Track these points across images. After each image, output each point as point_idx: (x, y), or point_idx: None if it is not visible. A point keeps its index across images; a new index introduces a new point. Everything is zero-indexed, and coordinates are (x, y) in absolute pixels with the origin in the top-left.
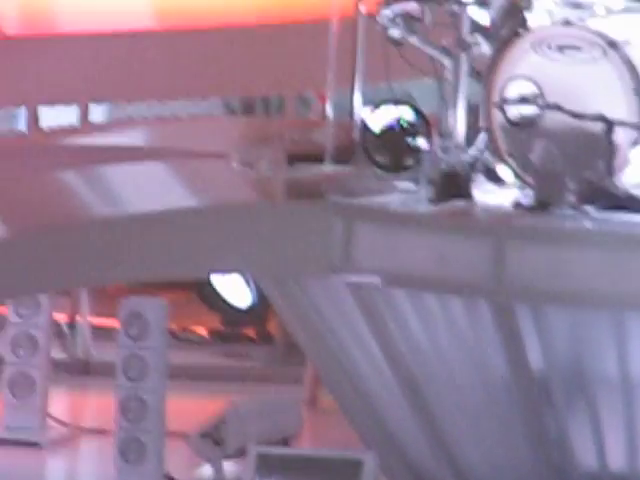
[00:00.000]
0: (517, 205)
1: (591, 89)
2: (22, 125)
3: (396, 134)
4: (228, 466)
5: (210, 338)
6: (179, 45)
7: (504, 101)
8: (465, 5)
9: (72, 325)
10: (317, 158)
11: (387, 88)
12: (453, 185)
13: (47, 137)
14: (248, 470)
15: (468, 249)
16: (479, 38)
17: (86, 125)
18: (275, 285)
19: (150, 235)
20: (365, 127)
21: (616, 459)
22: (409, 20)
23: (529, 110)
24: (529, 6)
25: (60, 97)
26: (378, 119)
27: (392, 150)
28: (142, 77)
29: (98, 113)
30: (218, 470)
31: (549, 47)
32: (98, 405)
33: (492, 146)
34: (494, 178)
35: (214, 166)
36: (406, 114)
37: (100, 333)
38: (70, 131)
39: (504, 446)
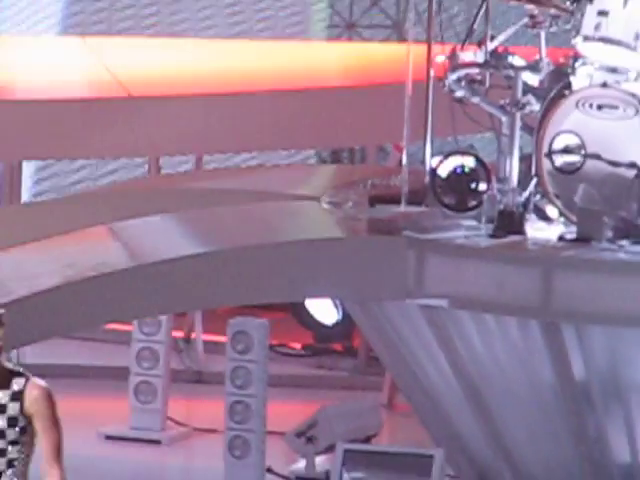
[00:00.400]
0: (562, 239)
1: (626, 141)
2: (144, 171)
3: (461, 179)
4: (319, 460)
5: (304, 352)
6: (278, 104)
7: (552, 151)
8: (519, 70)
9: (188, 340)
10: (394, 200)
11: (453, 141)
12: (509, 223)
13: (167, 181)
14: (336, 464)
15: (521, 277)
16: (531, 98)
17: (200, 171)
18: (359, 307)
19: (255, 265)
20: (434, 173)
21: None
22: (472, 83)
23: (573, 159)
24: (573, 71)
25: (178, 149)
26: (445, 167)
27: (457, 193)
28: (247, 132)
29: (210, 161)
30: (311, 464)
31: (590, 106)
32: (210, 409)
33: (542, 189)
34: (543, 217)
35: (308, 206)
36: (469, 162)
37: (211, 348)
38: (186, 177)
39: (551, 443)
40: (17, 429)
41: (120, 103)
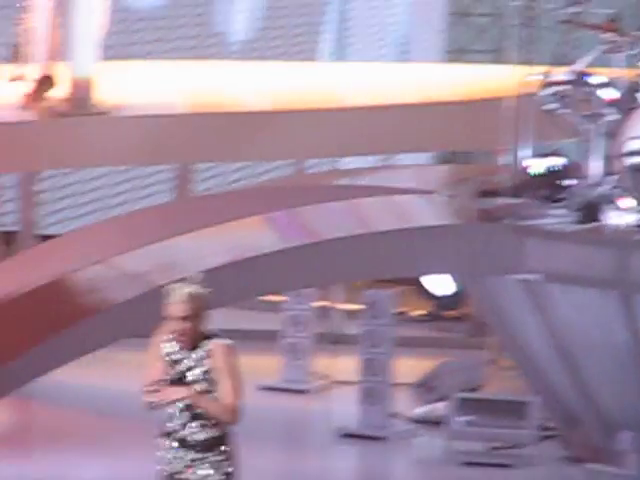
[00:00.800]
0: (636, 225)
1: None
2: (290, 171)
3: (552, 176)
4: (438, 407)
5: (425, 318)
6: (404, 115)
7: (627, 153)
8: (600, 87)
9: (329, 308)
10: (498, 193)
11: (546, 145)
12: (591, 211)
13: (311, 179)
14: (451, 409)
15: (602, 255)
16: (610, 109)
17: (337, 171)
18: (471, 281)
19: (387, 246)
20: (531, 172)
21: None
22: (562, 97)
23: None
24: None
25: (317, 153)
26: (540, 166)
27: (550, 187)
28: (378, 138)
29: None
30: (430, 409)
31: None
32: (347, 365)
33: (619, 184)
34: (619, 207)
35: (429, 199)
36: (559, 162)
37: (349, 315)
38: (326, 175)
39: (626, 390)
40: (206, 382)
41: (273, 115)
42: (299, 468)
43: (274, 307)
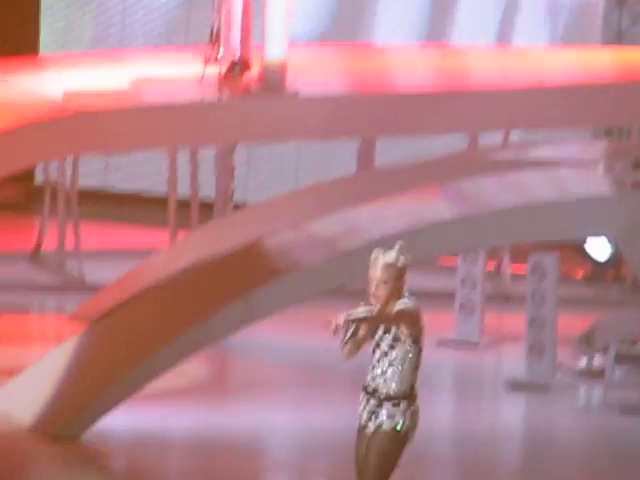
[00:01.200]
0: None
1: None
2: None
3: None
4: (597, 358)
5: (584, 279)
6: (567, 95)
7: None
8: None
9: (497, 271)
10: None
11: None
12: None
13: (479, 153)
14: (609, 361)
15: None
16: None
17: (503, 146)
18: (625, 243)
19: (552, 214)
20: None
21: None
22: None
23: None
24: None
25: (491, 125)
26: None
27: None
28: (544, 114)
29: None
30: (590, 361)
31: None
32: (515, 322)
33: None
34: None
35: (587, 171)
36: None
37: (516, 276)
38: (495, 150)
39: None
40: (390, 336)
41: (448, 96)
42: (471, 416)
43: (449, 269)
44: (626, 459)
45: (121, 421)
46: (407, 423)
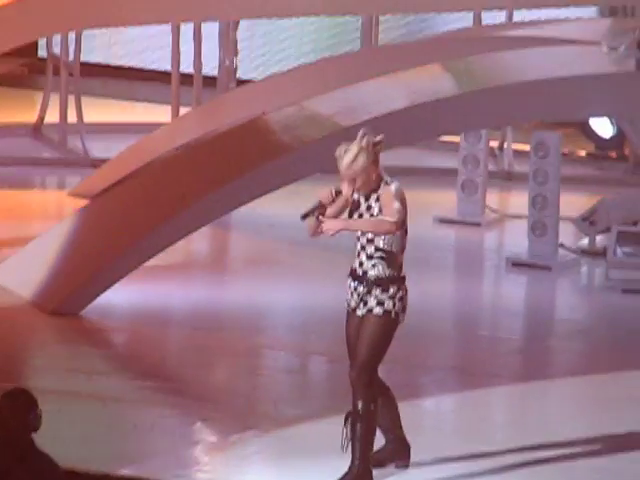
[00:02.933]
0: None
1: None
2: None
3: None
4: (599, 239)
5: (587, 158)
6: None
7: None
8: None
9: (501, 148)
10: None
11: None
12: None
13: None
14: (611, 241)
15: None
16: None
17: (508, 24)
18: (629, 124)
19: (553, 92)
20: None
21: None
22: None
23: None
24: None
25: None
26: None
27: None
28: None
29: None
30: (592, 241)
31: None
32: (516, 200)
33: None
34: None
35: (591, 49)
36: None
37: (518, 154)
38: (499, 27)
39: None
40: None
41: None
42: (472, 293)
43: (452, 147)
44: (627, 337)
45: (121, 297)
46: (397, 307)
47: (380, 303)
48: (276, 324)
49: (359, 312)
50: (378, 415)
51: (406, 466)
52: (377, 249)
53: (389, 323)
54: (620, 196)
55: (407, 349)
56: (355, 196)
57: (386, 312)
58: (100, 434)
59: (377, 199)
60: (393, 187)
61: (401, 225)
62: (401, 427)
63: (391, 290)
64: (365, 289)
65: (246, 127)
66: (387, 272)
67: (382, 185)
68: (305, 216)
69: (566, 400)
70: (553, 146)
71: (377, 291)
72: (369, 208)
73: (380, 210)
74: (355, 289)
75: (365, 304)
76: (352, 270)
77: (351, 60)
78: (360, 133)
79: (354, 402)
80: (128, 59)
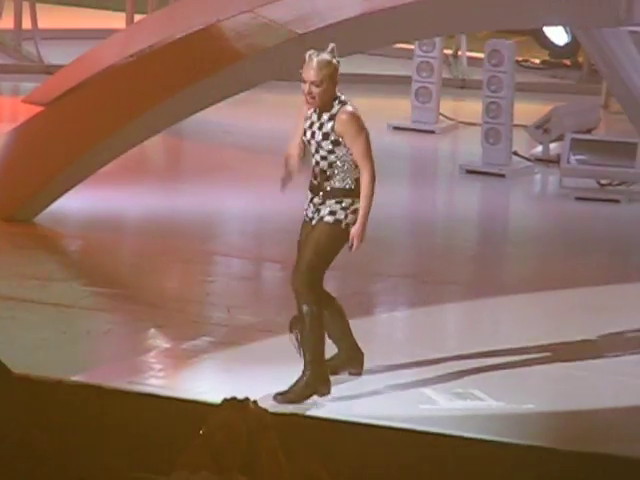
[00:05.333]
0: None
1: None
2: None
3: None
4: (552, 147)
5: (541, 65)
6: None
7: None
8: None
9: (455, 56)
10: None
11: None
12: None
13: None
14: (565, 149)
15: None
16: None
17: None
18: (583, 32)
19: (502, 3)
20: None
21: None
22: None
23: None
24: None
25: None
26: None
27: None
28: None
29: None
30: (546, 149)
31: None
32: (470, 108)
33: None
34: None
35: None
36: None
37: (472, 62)
38: None
39: None
40: (329, 141)
41: None
42: (427, 199)
43: (406, 54)
44: (580, 244)
45: (75, 204)
46: (349, 219)
47: (332, 212)
48: (230, 231)
49: (313, 222)
50: (323, 320)
51: (359, 373)
52: (331, 165)
53: (338, 232)
54: (574, 104)
55: (360, 257)
56: (308, 115)
57: (337, 221)
58: (53, 340)
59: (331, 118)
60: (349, 109)
61: (372, 159)
62: (351, 335)
63: (344, 202)
64: (320, 200)
65: (200, 34)
66: (342, 184)
67: (336, 104)
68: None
69: (519, 307)
70: (507, 54)
71: (331, 201)
72: (321, 126)
73: (333, 129)
74: (311, 200)
75: (318, 213)
76: (310, 182)
77: None
78: (330, 47)
79: (298, 307)
80: None
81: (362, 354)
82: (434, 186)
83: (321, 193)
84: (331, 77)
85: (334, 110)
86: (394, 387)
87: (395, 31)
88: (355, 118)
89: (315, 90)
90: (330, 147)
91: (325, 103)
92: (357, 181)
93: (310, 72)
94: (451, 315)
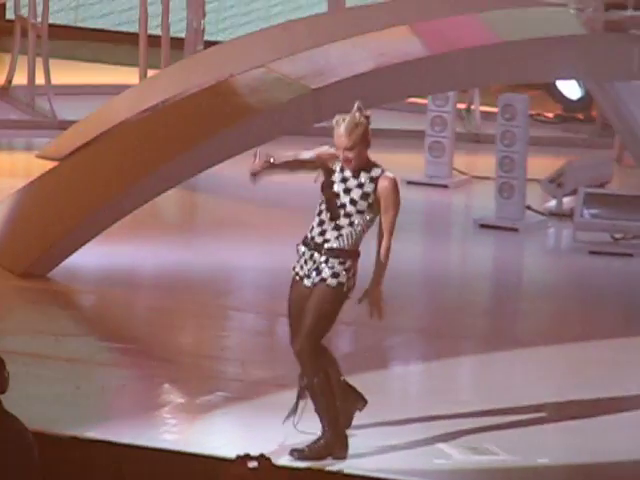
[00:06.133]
0: None
1: None
2: None
3: None
4: (566, 201)
5: (555, 120)
6: None
7: None
8: None
9: (468, 110)
10: (624, 6)
11: None
12: None
13: None
14: (578, 203)
15: None
16: None
17: None
18: (597, 86)
19: (520, 52)
20: None
21: None
22: None
23: None
24: None
25: None
26: None
27: None
28: None
29: None
30: (559, 203)
31: None
32: (484, 162)
33: None
34: None
35: (559, 12)
36: None
37: (486, 116)
38: None
39: None
40: (366, 203)
41: None
42: (440, 254)
43: (419, 109)
44: (594, 299)
45: (89, 259)
46: (350, 282)
47: (335, 275)
48: (244, 286)
49: (307, 282)
50: (330, 381)
51: (365, 403)
52: (351, 224)
53: (340, 296)
54: (587, 158)
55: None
56: (337, 169)
57: (339, 284)
58: (68, 396)
59: (372, 180)
60: (391, 175)
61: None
62: (343, 378)
63: (347, 263)
64: (322, 258)
65: (213, 89)
66: (348, 246)
67: (374, 167)
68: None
69: (533, 362)
70: (520, 108)
71: (335, 262)
72: (360, 185)
73: (374, 191)
74: (311, 257)
75: (318, 273)
76: (307, 238)
77: (318, 22)
78: (356, 106)
79: (303, 376)
80: (95, 21)
81: (355, 389)
82: (448, 240)
83: (325, 250)
84: (363, 138)
85: (375, 173)
86: (409, 441)
87: (408, 85)
88: (397, 187)
89: (350, 155)
90: (364, 208)
91: (361, 163)
92: (359, 245)
93: (341, 139)
94: (465, 369)
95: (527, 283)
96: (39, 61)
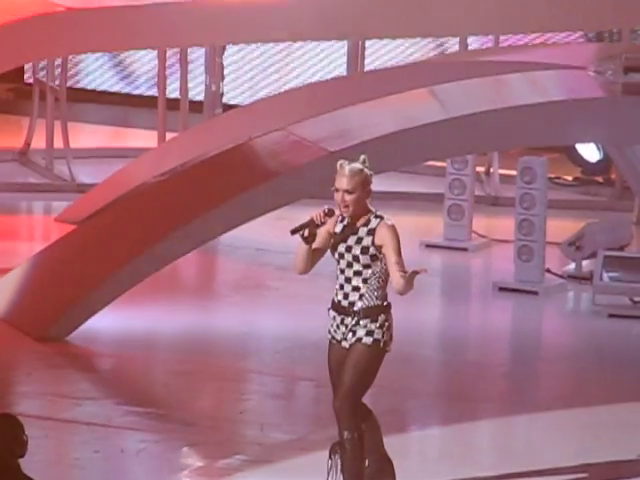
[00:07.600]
0: None
1: None
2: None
3: None
4: (585, 264)
5: (574, 182)
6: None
7: None
8: None
9: (487, 173)
10: None
11: None
12: None
13: (470, 55)
14: (597, 266)
15: None
16: None
17: (496, 48)
18: (616, 149)
19: (534, 118)
20: None
21: None
22: None
23: None
24: None
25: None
26: None
27: None
28: (532, 16)
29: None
30: (579, 266)
31: None
32: (503, 225)
33: None
34: None
35: (577, 74)
36: None
37: (505, 179)
38: (485, 52)
39: None
40: (367, 256)
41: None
42: (459, 318)
43: (439, 171)
44: (614, 362)
45: (108, 322)
46: (385, 336)
47: (369, 333)
48: (263, 349)
49: (345, 344)
50: (363, 444)
51: None
52: (365, 281)
53: (377, 353)
54: (606, 221)
55: (394, 374)
56: (339, 227)
57: (375, 341)
58: (87, 459)
59: (369, 232)
60: (389, 222)
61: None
62: (383, 446)
63: (380, 319)
64: (354, 320)
65: (233, 152)
66: (375, 302)
67: (372, 218)
68: (295, 231)
69: (553, 426)
70: (539, 171)
71: (366, 321)
72: (359, 240)
73: (373, 243)
74: (342, 322)
75: (354, 334)
76: (335, 303)
77: (338, 85)
78: (362, 157)
79: (339, 432)
80: (114, 84)
81: (392, 465)
82: (467, 303)
83: (353, 313)
84: (363, 185)
85: (372, 224)
86: None
87: (427, 149)
88: (395, 229)
89: (348, 198)
90: (367, 261)
91: (358, 212)
92: (386, 295)
93: (342, 180)
94: (484, 433)
95: (546, 346)
96: (57, 124)
